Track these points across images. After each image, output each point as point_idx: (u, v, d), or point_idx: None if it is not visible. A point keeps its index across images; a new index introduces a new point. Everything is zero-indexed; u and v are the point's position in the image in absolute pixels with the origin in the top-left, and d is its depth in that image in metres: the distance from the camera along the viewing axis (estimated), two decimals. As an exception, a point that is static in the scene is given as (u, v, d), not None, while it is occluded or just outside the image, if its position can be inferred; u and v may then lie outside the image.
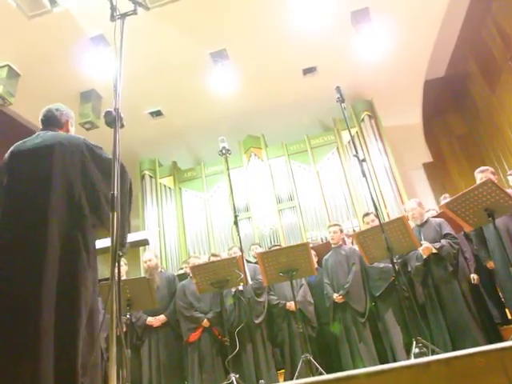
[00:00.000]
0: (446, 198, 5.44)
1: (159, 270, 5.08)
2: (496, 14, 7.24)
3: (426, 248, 4.22)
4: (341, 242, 4.95)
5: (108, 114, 1.86)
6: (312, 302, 4.78)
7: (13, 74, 6.66)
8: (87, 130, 7.23)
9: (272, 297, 4.81)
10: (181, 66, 7.33)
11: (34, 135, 2.29)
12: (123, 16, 2.07)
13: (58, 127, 2.38)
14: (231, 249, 5.37)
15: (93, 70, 6.68)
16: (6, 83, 6.45)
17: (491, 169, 4.30)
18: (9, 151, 2.21)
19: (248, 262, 5.13)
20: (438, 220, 4.49)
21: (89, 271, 1.93)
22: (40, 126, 2.42)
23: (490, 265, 4.32)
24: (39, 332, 1.70)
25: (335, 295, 4.56)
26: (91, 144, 2.20)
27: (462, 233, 4.77)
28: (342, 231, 5.01)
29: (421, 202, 4.74)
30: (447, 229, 4.35)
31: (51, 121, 2.39)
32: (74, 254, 1.90)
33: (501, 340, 4.07)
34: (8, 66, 6.55)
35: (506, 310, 4.68)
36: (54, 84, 7.10)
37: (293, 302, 4.45)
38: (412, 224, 4.87)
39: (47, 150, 2.11)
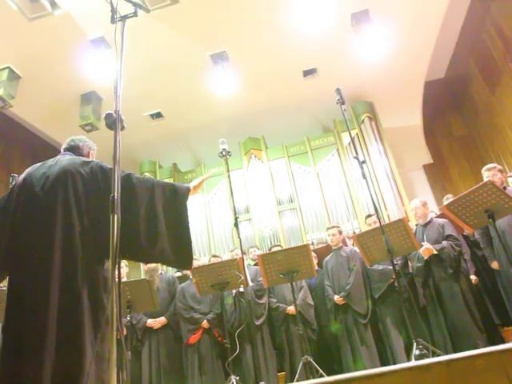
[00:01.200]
0: (448, 199, 5.43)
1: (159, 271, 5.08)
2: (496, 15, 7.25)
3: (426, 249, 4.22)
4: (341, 244, 4.94)
5: (108, 116, 1.85)
6: (312, 304, 4.76)
7: (13, 76, 6.67)
8: (87, 132, 7.23)
9: (272, 299, 4.80)
10: (181, 68, 7.34)
11: (51, 159, 2.21)
12: (124, 18, 2.06)
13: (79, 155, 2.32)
14: (233, 250, 5.36)
15: (93, 72, 6.68)
16: (6, 85, 6.46)
17: (499, 166, 4.26)
18: (24, 173, 2.13)
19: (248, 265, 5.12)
20: (442, 221, 4.47)
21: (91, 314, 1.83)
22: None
23: (495, 265, 4.30)
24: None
25: (336, 297, 4.56)
26: (107, 167, 2.07)
27: (461, 235, 4.76)
28: (340, 232, 5.00)
29: (426, 202, 4.68)
30: (450, 230, 4.34)
31: (73, 150, 2.33)
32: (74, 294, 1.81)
33: (502, 342, 4.07)
34: (9, 68, 6.56)
35: (508, 312, 4.67)
36: (54, 86, 7.12)
37: (292, 307, 4.46)
38: (413, 225, 4.88)
39: (57, 178, 2.02)
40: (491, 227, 4.01)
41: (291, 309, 4.57)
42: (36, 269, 1.82)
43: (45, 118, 7.69)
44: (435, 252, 4.21)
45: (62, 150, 2.35)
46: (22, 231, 1.93)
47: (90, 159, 2.24)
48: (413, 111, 9.12)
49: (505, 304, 4.66)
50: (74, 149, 2.34)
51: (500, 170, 4.20)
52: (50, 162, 2.17)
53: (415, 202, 4.69)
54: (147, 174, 9.29)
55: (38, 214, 1.94)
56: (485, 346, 3.59)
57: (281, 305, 4.72)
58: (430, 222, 4.55)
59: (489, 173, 4.16)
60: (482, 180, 3.89)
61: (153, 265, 4.95)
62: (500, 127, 8.03)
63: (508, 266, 3.78)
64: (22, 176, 2.12)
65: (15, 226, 1.96)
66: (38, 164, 2.18)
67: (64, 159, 2.16)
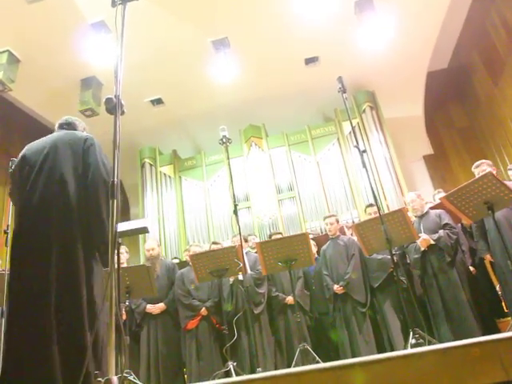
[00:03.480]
0: (439, 193, 5.47)
1: (160, 258, 5.10)
2: (500, 6, 7.18)
3: (423, 240, 4.24)
4: (338, 233, 4.94)
5: (109, 100, 1.84)
6: (308, 293, 4.80)
7: (13, 60, 6.61)
8: (87, 117, 7.20)
9: (271, 287, 4.81)
10: (182, 54, 7.28)
11: (48, 136, 2.40)
12: (124, 2, 2.04)
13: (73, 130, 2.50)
14: (235, 236, 5.35)
15: (93, 56, 6.63)
16: (6, 69, 6.41)
17: (487, 161, 4.31)
18: (22, 152, 2.35)
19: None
20: (438, 211, 4.50)
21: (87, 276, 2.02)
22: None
23: (487, 258, 4.33)
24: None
25: (335, 286, 4.56)
26: (90, 144, 2.25)
27: (460, 225, 4.77)
28: (338, 221, 5.01)
29: (420, 194, 4.75)
30: (446, 219, 4.37)
31: (68, 126, 2.50)
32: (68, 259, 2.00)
33: (497, 332, 4.10)
34: (8, 51, 6.50)
35: (502, 303, 4.71)
36: (54, 70, 7.06)
37: (291, 297, 4.49)
38: (412, 216, 4.89)
39: (51, 150, 2.23)
40: (487, 220, 4.04)
41: (290, 299, 4.60)
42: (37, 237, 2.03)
43: (44, 102, 7.64)
44: (432, 242, 4.23)
45: (57, 127, 2.52)
46: (29, 200, 2.13)
47: (85, 134, 2.39)
48: (414, 101, 9.08)
49: (498, 295, 4.72)
50: (70, 125, 2.51)
51: (489, 164, 4.23)
52: (46, 138, 2.38)
53: (411, 196, 4.72)
54: (147, 161, 9.29)
55: (38, 186, 2.14)
56: (480, 336, 3.62)
57: (280, 294, 4.74)
58: (426, 213, 4.57)
59: (478, 169, 4.23)
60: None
61: (155, 253, 4.97)
62: (502, 119, 8.00)
63: (503, 258, 3.79)
64: (21, 153, 2.34)
65: (23, 193, 2.18)
66: (36, 141, 2.39)
67: (59, 133, 2.37)
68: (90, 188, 2.12)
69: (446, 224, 4.32)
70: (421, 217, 4.57)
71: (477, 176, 3.96)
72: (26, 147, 2.35)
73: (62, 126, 2.48)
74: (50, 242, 1.98)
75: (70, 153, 2.20)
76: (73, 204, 2.08)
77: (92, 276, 2.02)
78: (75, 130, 2.47)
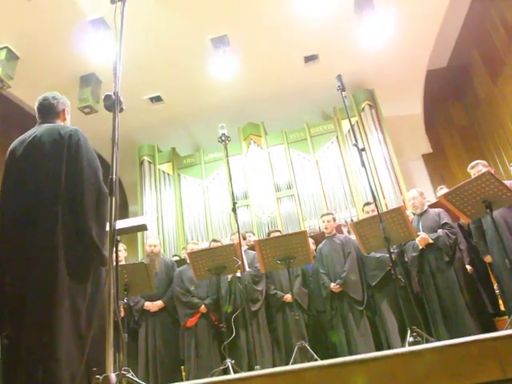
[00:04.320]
0: (442, 189, 5.45)
1: (161, 256, 5.10)
2: (500, 5, 7.17)
3: (422, 239, 4.24)
4: (335, 231, 4.94)
5: (107, 97, 1.84)
6: (306, 292, 4.80)
7: (12, 57, 6.60)
8: (86, 114, 7.18)
9: (270, 285, 4.81)
10: (181, 52, 7.27)
11: (31, 129, 2.29)
12: (124, -2, 2.03)
13: (55, 117, 2.38)
14: (234, 234, 5.35)
15: (93, 53, 6.61)
16: (4, 65, 6.40)
17: (482, 162, 4.33)
18: (8, 149, 2.25)
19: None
20: (438, 210, 4.50)
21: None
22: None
23: (488, 259, 4.34)
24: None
25: (332, 285, 4.57)
26: (75, 139, 2.16)
27: (457, 223, 4.77)
28: (335, 220, 5.01)
29: (422, 192, 4.74)
30: (445, 218, 4.37)
31: (48, 110, 2.37)
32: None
33: (495, 331, 4.11)
34: (7, 48, 6.49)
35: (500, 302, 4.72)
36: (53, 67, 7.05)
37: (289, 295, 4.48)
38: (410, 214, 4.90)
39: (39, 149, 2.14)
40: (484, 220, 4.05)
41: (288, 297, 4.59)
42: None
43: (43, 99, 7.61)
44: (431, 241, 4.23)
45: (36, 109, 2.39)
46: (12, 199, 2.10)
47: (69, 128, 2.25)
48: (414, 100, 9.08)
49: (495, 294, 4.72)
50: (47, 108, 2.39)
51: (484, 165, 4.25)
52: (30, 132, 2.26)
53: (413, 192, 4.72)
54: (146, 159, 9.28)
55: (20, 191, 2.10)
56: (478, 334, 3.62)
57: (279, 292, 4.73)
58: (425, 211, 4.57)
59: (473, 170, 4.24)
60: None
61: (157, 250, 4.97)
62: (501, 118, 8.00)
63: (501, 257, 3.80)
64: (7, 152, 2.24)
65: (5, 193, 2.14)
66: (21, 136, 2.27)
67: (41, 130, 2.22)
68: (78, 190, 2.06)
69: (446, 223, 4.32)
70: (420, 215, 4.57)
71: (472, 176, 3.97)
72: (9, 150, 2.24)
73: (42, 116, 2.36)
74: (30, 247, 1.96)
75: (54, 154, 2.11)
76: (57, 206, 2.02)
77: (77, 281, 1.98)
78: (55, 114, 2.37)
